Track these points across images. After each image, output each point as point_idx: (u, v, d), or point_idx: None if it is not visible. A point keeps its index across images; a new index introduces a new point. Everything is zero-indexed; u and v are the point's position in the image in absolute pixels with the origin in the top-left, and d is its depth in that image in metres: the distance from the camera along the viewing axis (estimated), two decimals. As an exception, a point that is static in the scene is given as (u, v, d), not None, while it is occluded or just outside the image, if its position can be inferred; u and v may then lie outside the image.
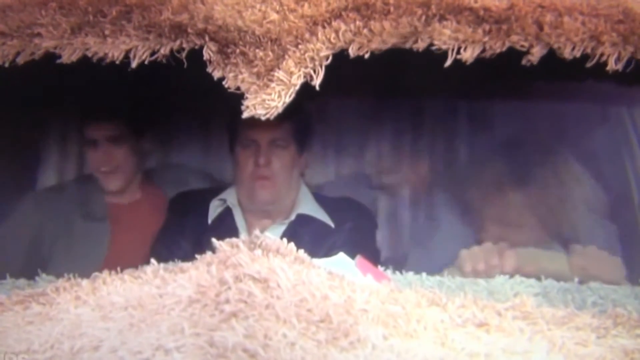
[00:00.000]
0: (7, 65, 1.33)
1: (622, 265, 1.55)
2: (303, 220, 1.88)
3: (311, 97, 1.25)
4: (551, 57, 1.20)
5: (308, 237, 1.79)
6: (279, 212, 1.89)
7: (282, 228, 1.86)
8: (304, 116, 1.88)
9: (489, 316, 0.96)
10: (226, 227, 1.85)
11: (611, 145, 1.94)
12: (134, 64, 1.27)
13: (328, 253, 1.45)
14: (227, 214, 1.90)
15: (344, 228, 1.86)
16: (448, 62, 1.21)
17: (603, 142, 1.97)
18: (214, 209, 1.91)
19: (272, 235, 1.75)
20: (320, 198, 1.95)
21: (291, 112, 1.26)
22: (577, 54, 1.20)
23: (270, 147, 1.82)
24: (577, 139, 2.00)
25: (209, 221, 1.89)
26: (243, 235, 1.79)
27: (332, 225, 1.87)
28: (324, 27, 1.25)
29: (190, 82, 1.43)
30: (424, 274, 1.34)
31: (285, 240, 1.05)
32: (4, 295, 1.06)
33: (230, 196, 1.92)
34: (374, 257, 1.75)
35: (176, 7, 1.29)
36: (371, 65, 1.25)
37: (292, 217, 1.88)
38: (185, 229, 1.87)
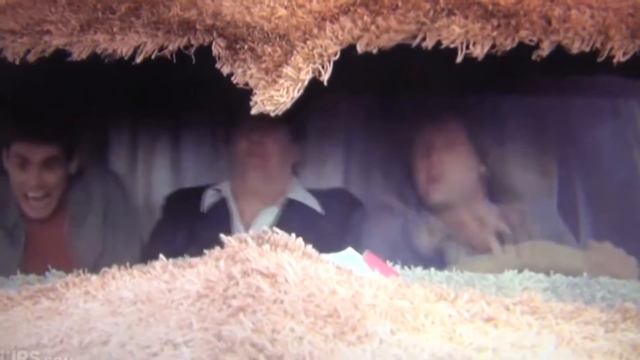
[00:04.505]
0: (17, 62, 1.34)
1: (636, 263, 1.53)
2: (292, 206, 1.91)
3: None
4: (558, 51, 1.20)
5: (297, 223, 1.81)
6: (270, 197, 1.93)
7: (275, 211, 1.90)
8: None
9: (497, 311, 0.96)
10: (219, 216, 1.89)
11: (621, 138, 1.94)
12: (139, 59, 1.28)
13: (317, 240, 1.48)
14: (221, 204, 1.94)
15: (334, 216, 1.88)
16: (459, 59, 1.21)
17: (613, 135, 1.96)
18: (208, 198, 1.95)
19: (266, 219, 1.84)
20: (311, 190, 1.98)
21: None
22: (586, 48, 1.20)
23: (265, 128, 1.85)
24: (586, 132, 2.01)
25: (203, 209, 1.93)
26: (237, 224, 1.85)
27: (322, 212, 1.90)
28: (332, 23, 1.25)
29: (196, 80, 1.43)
30: (432, 269, 1.34)
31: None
32: (14, 290, 1.07)
33: (225, 187, 1.96)
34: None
35: (185, 4, 1.29)
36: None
37: (283, 200, 1.91)
38: (181, 224, 1.90)
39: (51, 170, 1.88)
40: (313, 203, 1.93)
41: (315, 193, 1.96)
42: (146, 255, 1.80)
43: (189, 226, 1.86)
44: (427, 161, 1.85)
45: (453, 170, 1.83)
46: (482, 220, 1.54)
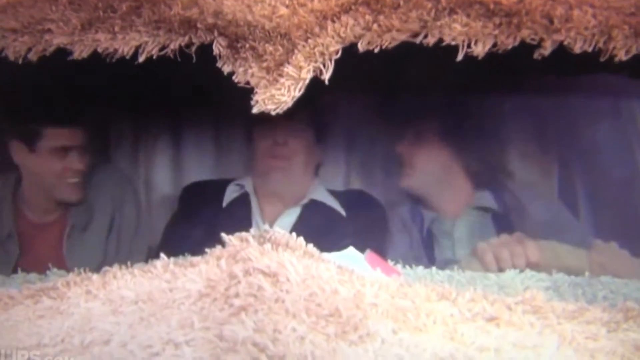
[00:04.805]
0: (19, 61, 1.33)
1: None
2: (315, 206, 1.91)
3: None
4: (559, 50, 1.20)
5: (320, 223, 1.82)
6: (292, 198, 1.92)
7: (297, 211, 1.90)
8: (321, 106, 1.90)
9: (499, 310, 0.96)
10: (240, 211, 1.88)
11: (622, 138, 1.94)
12: (141, 59, 1.28)
13: (339, 241, 1.47)
14: (242, 199, 1.93)
15: (355, 217, 1.88)
16: (459, 57, 1.20)
17: (614, 135, 1.96)
18: (230, 193, 1.94)
19: (288, 219, 1.84)
20: (332, 192, 1.98)
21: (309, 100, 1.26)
22: (588, 48, 1.19)
23: (288, 128, 1.85)
24: (586, 132, 2.01)
25: (224, 204, 1.91)
26: (257, 219, 1.85)
27: (344, 213, 1.89)
28: (333, 22, 1.24)
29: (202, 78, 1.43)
30: (433, 268, 1.34)
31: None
32: (15, 289, 1.07)
33: (247, 183, 1.95)
34: (385, 248, 1.81)
35: (186, 2, 1.29)
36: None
37: (305, 201, 1.90)
38: (199, 217, 1.89)
39: (84, 156, 1.92)
40: (335, 204, 1.92)
41: (335, 194, 1.96)
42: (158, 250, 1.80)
43: (208, 220, 1.85)
44: (403, 151, 1.91)
45: (425, 162, 1.88)
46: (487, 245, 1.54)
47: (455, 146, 1.87)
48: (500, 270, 1.42)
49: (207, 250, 1.05)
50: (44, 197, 1.95)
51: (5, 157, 1.94)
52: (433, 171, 1.88)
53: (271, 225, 1.84)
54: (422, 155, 1.88)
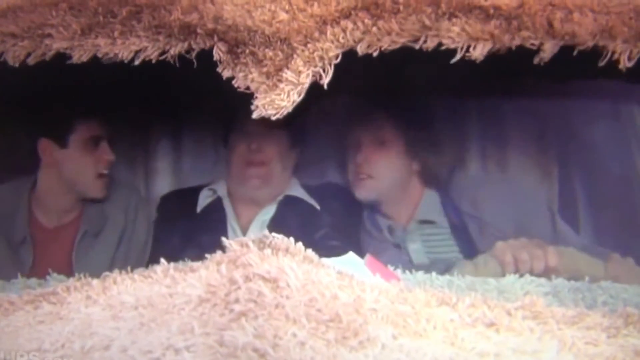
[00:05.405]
0: (17, 65, 1.33)
1: None
2: (290, 201, 1.92)
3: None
4: (562, 56, 1.20)
5: (295, 218, 1.83)
6: (268, 200, 1.93)
7: (273, 209, 1.92)
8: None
9: (498, 315, 0.95)
10: (215, 216, 1.90)
11: (621, 142, 1.94)
12: (137, 62, 1.28)
13: (315, 234, 1.47)
14: (216, 204, 1.95)
15: (330, 210, 1.90)
16: (456, 58, 1.20)
17: (613, 138, 1.97)
18: (204, 198, 1.97)
19: (266, 217, 1.87)
20: (306, 187, 1.99)
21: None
22: (588, 49, 1.19)
23: (263, 134, 1.86)
24: (587, 135, 2.01)
25: (198, 209, 1.94)
26: (232, 223, 1.86)
27: (318, 207, 1.91)
28: (333, 27, 1.25)
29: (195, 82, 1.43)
30: (433, 273, 1.34)
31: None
32: (15, 294, 1.07)
33: (220, 187, 1.96)
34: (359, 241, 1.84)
35: (186, 7, 1.29)
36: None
37: (280, 197, 1.92)
38: (177, 224, 1.90)
39: (112, 147, 1.94)
40: (308, 198, 1.93)
41: (309, 188, 1.97)
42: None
43: (185, 226, 1.86)
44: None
45: (381, 168, 1.87)
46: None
47: (404, 147, 1.86)
48: (517, 271, 1.42)
49: (207, 255, 1.05)
50: (67, 196, 1.95)
51: (19, 161, 1.97)
52: (390, 177, 1.87)
53: (248, 226, 1.89)
54: (380, 163, 1.87)
